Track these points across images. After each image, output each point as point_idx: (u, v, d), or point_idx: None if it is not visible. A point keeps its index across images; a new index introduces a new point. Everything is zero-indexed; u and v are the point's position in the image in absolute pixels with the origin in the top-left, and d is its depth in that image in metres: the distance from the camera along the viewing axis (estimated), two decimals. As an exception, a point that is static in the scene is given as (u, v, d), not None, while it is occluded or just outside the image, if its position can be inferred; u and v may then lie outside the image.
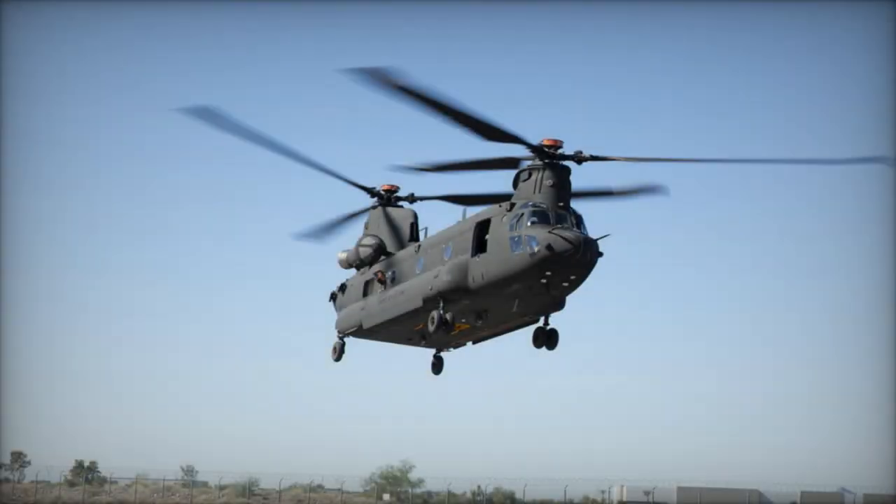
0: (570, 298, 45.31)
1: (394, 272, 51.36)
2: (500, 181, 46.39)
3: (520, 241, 42.99)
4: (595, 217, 44.29)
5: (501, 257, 43.79)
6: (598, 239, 43.16)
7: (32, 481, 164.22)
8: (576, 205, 44.31)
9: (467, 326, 48.74)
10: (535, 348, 46.75)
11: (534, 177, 44.24)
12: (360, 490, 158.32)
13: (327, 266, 56.72)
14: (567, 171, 44.42)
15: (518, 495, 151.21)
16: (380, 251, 53.16)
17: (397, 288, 50.27)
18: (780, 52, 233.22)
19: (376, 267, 52.92)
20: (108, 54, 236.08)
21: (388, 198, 55.08)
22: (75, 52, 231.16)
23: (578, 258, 42.37)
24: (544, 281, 42.99)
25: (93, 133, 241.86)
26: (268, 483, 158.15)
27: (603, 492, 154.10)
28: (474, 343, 51.77)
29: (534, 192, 43.96)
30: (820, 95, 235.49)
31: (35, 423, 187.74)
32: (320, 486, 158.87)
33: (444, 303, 46.44)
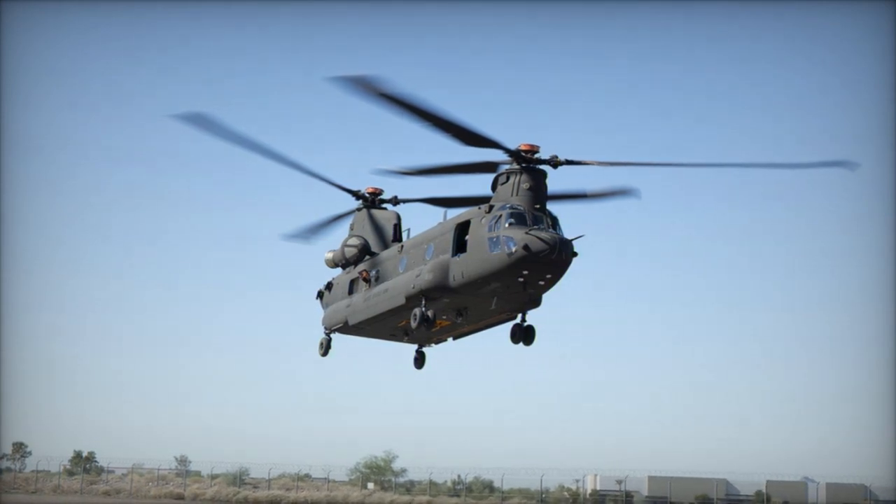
0: (546, 296, 46.00)
1: (378, 271, 52.21)
2: (479, 184, 47.15)
3: (498, 241, 43.62)
4: (570, 218, 44.99)
5: (480, 257, 44.43)
6: (572, 239, 43.83)
7: (33, 471, 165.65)
8: (551, 207, 45.03)
9: (448, 323, 49.58)
10: (512, 344, 47.31)
11: (511, 180, 44.89)
12: (346, 479, 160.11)
13: (314, 265, 57.62)
14: (543, 174, 45.08)
15: (496, 484, 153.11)
16: (364, 251, 54.18)
17: (381, 286, 51.04)
18: (751, 57, 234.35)
19: (361, 266, 53.77)
20: (102, 59, 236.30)
21: (372, 200, 56.05)
22: (70, 55, 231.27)
23: (554, 258, 43.05)
24: (521, 280, 43.72)
25: (91, 136, 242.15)
26: (257, 473, 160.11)
27: (577, 481, 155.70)
28: (455, 339, 52.55)
29: (511, 195, 44.66)
30: (789, 99, 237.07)
31: (35, 416, 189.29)
32: (308, 476, 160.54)
33: (425, 300, 47.18)
